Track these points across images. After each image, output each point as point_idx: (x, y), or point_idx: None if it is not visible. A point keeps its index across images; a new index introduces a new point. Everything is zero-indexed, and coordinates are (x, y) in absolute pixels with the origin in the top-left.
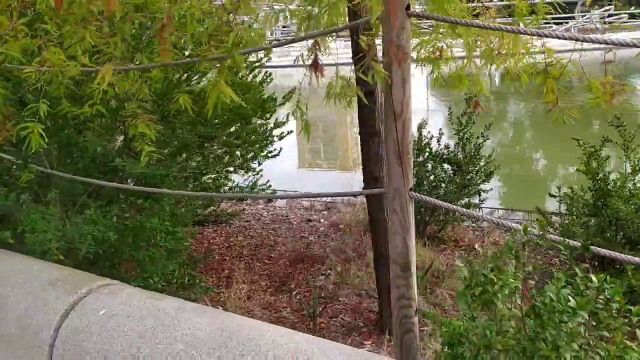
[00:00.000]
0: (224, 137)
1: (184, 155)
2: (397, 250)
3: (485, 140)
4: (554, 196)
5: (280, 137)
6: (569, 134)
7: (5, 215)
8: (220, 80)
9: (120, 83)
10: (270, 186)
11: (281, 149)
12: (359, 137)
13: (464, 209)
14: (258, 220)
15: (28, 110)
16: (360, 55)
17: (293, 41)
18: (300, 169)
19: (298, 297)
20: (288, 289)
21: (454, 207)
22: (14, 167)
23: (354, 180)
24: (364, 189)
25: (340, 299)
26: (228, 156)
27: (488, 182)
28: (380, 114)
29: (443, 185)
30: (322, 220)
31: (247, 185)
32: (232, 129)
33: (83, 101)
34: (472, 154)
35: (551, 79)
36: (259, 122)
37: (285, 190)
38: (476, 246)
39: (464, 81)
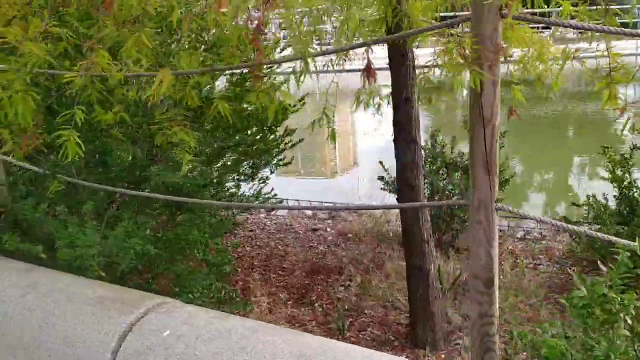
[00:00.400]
0: (242, 145)
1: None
2: (480, 263)
3: (501, 148)
4: (578, 205)
5: (292, 145)
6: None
7: (30, 226)
8: (280, 86)
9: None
10: (275, 195)
11: (293, 157)
12: (333, 142)
13: (552, 219)
14: (262, 229)
15: (62, 117)
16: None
17: (350, 48)
18: (278, 177)
19: (321, 309)
20: (309, 301)
21: (543, 218)
22: (39, 176)
23: (343, 187)
24: (398, 197)
25: (366, 311)
26: (235, 164)
27: (503, 190)
28: (417, 121)
29: (455, 193)
30: (328, 230)
31: (253, 193)
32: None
33: (112, 108)
34: None
35: (614, 85)
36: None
37: (297, 201)
38: None
39: None
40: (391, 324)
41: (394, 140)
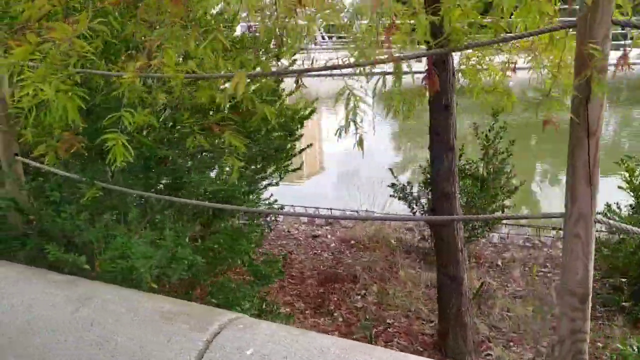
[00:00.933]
0: (266, 149)
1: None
2: (576, 278)
3: (509, 156)
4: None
5: (300, 151)
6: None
7: (62, 234)
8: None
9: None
10: (276, 200)
11: (302, 163)
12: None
13: None
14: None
15: (109, 119)
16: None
17: (418, 56)
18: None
19: (342, 319)
20: (327, 311)
21: None
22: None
23: (318, 192)
24: (432, 206)
25: (388, 321)
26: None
27: (511, 197)
28: (455, 128)
29: (463, 201)
30: (329, 236)
31: (252, 198)
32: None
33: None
34: (498, 169)
35: None
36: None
37: (292, 206)
38: (499, 262)
39: (511, 97)
40: (416, 334)
41: (430, 147)
